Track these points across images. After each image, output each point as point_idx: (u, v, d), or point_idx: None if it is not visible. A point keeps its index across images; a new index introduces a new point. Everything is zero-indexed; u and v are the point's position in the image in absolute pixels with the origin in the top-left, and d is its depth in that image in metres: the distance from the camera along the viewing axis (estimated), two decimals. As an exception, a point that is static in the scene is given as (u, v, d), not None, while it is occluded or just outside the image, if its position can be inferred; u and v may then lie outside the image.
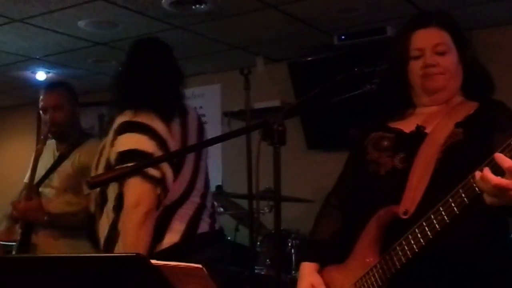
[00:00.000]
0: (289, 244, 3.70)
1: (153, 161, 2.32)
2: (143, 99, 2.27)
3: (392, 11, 3.95)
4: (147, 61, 2.42)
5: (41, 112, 3.19)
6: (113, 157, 2.23)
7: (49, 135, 3.15)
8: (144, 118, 2.23)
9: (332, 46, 4.41)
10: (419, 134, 1.78)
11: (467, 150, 1.66)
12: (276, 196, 1.62)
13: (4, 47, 4.70)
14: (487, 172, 1.41)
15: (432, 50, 1.78)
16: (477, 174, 1.44)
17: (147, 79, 2.33)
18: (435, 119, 1.78)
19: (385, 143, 1.82)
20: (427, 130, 1.77)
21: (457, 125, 1.73)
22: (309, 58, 4.79)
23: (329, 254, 1.88)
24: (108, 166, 2.26)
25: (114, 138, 2.26)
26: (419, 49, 1.80)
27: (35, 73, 5.42)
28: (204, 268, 1.19)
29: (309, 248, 1.96)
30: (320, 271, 1.87)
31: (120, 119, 2.27)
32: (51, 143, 3.23)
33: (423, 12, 1.89)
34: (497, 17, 4.11)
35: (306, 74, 4.72)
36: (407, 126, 1.83)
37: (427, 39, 1.80)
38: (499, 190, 1.41)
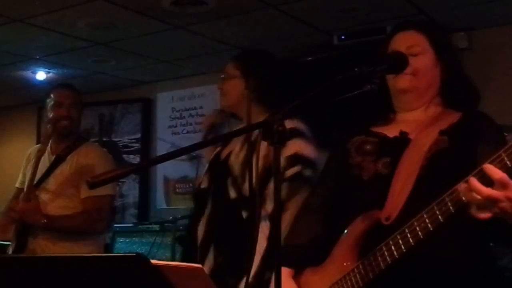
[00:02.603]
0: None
1: (153, 161, 2.33)
2: None
3: (392, 11, 3.95)
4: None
5: (50, 109, 3.12)
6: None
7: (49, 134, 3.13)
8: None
9: (332, 46, 4.41)
10: (403, 140, 1.77)
11: (452, 159, 1.65)
12: (276, 196, 1.62)
13: (4, 46, 4.70)
14: (476, 183, 1.40)
15: (405, 50, 1.78)
16: (463, 185, 1.43)
17: None
18: (417, 126, 1.78)
19: (368, 147, 1.82)
20: (410, 136, 1.77)
21: (442, 132, 1.73)
22: (309, 58, 4.78)
23: (306, 259, 1.85)
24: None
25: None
26: (394, 50, 1.81)
27: (35, 73, 5.42)
28: (203, 268, 1.19)
29: (284, 252, 1.87)
30: (295, 275, 1.84)
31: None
32: (37, 146, 3.21)
33: (406, 20, 1.92)
34: (497, 17, 4.11)
35: (306, 74, 4.72)
36: (390, 131, 1.83)
37: (402, 41, 1.82)
38: (490, 202, 1.40)
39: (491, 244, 1.80)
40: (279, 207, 1.59)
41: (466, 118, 1.77)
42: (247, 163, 2.27)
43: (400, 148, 1.75)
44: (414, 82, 1.79)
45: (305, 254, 1.87)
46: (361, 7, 3.92)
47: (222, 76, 2.49)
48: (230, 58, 2.51)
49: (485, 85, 3.46)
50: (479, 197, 1.40)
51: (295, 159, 2.23)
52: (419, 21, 1.92)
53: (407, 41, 1.81)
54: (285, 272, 1.83)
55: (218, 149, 2.47)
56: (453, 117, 1.77)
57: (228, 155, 2.37)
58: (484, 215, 1.42)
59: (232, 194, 2.28)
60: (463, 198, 1.45)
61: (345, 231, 1.74)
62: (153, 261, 1.11)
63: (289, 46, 4.73)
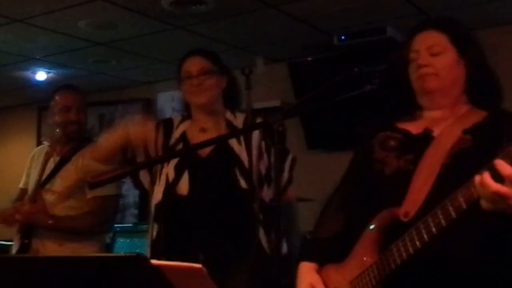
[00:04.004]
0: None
1: (153, 161, 2.33)
2: None
3: (392, 11, 3.95)
4: None
5: (57, 112, 3.11)
6: None
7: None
8: None
9: (332, 46, 4.41)
10: (427, 137, 1.77)
11: (474, 158, 1.62)
12: (276, 196, 1.62)
13: (4, 47, 4.70)
14: (486, 177, 1.40)
15: (426, 51, 1.78)
16: (477, 178, 1.43)
17: None
18: (442, 124, 1.78)
19: (392, 143, 1.82)
20: (434, 134, 1.77)
21: (465, 131, 1.72)
22: (309, 58, 4.78)
23: (330, 253, 1.86)
24: None
25: None
26: (415, 51, 1.81)
27: (35, 73, 5.42)
28: (204, 268, 1.19)
29: (309, 247, 1.94)
30: (318, 270, 1.85)
31: None
32: (44, 147, 3.21)
33: (425, 18, 1.91)
34: (497, 17, 4.11)
35: (306, 74, 4.72)
36: (415, 127, 1.82)
37: (422, 41, 1.81)
38: (498, 197, 1.40)
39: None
40: (279, 207, 1.60)
41: (491, 118, 1.75)
42: (250, 155, 2.39)
43: (423, 145, 1.74)
44: (438, 83, 1.78)
45: (330, 248, 1.88)
46: (361, 8, 3.92)
47: (199, 72, 2.49)
48: (197, 54, 2.55)
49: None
50: (487, 192, 1.40)
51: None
52: (439, 19, 1.89)
53: (427, 41, 1.80)
54: (310, 266, 1.85)
55: (181, 144, 2.47)
56: (479, 116, 1.76)
57: (222, 149, 2.39)
58: (494, 208, 1.43)
59: (243, 184, 2.34)
60: (475, 194, 1.45)
61: (367, 227, 1.75)
62: (153, 261, 1.11)
63: (289, 46, 4.73)
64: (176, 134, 2.50)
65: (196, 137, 2.43)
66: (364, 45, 4.21)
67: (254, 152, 2.39)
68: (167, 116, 5.72)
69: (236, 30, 4.34)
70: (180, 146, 2.46)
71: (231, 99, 2.56)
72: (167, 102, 5.81)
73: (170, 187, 2.38)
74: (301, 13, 4.02)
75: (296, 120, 4.88)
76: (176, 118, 2.59)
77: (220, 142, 2.37)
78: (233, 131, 2.44)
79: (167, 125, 2.54)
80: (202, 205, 2.35)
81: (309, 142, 4.99)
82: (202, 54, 2.55)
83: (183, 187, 2.37)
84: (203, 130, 2.47)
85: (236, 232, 2.33)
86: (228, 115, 2.51)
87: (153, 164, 2.39)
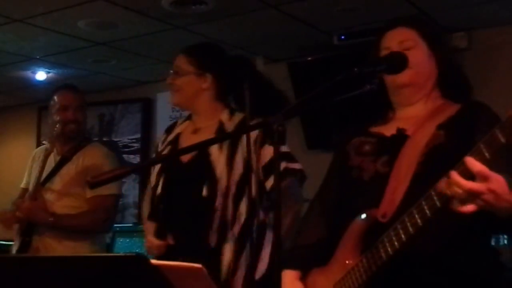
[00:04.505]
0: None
1: (153, 161, 2.33)
2: None
3: (392, 11, 3.94)
4: None
5: (56, 112, 3.14)
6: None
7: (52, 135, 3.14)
8: None
9: (332, 46, 4.41)
10: (401, 137, 1.77)
11: (449, 154, 1.61)
12: (276, 197, 1.62)
13: (4, 47, 4.70)
14: (456, 176, 1.40)
15: (398, 46, 1.79)
16: (444, 180, 1.43)
17: None
18: (416, 121, 1.78)
19: (367, 147, 1.82)
20: (408, 133, 1.77)
21: (439, 127, 1.72)
22: (309, 58, 4.78)
23: (313, 259, 1.86)
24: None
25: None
26: (386, 48, 1.82)
27: (35, 73, 5.41)
28: (204, 268, 1.19)
29: (291, 255, 1.90)
30: (302, 277, 1.85)
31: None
32: (45, 147, 3.22)
33: (394, 18, 1.92)
34: (497, 17, 4.11)
35: (306, 74, 4.72)
36: (388, 130, 1.82)
37: (393, 37, 1.83)
38: (471, 196, 1.39)
39: (492, 243, 1.80)
40: (279, 207, 1.60)
41: (464, 110, 1.76)
42: (229, 163, 2.26)
43: (397, 146, 1.74)
44: (413, 76, 1.78)
45: (313, 255, 1.88)
46: (361, 7, 3.92)
47: (173, 71, 2.45)
48: (180, 51, 2.47)
49: (485, 85, 3.46)
50: (460, 191, 1.40)
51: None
52: (407, 18, 1.93)
53: (398, 37, 1.81)
54: (292, 275, 1.85)
55: (169, 148, 2.43)
56: (451, 109, 1.77)
57: (201, 156, 2.30)
58: (467, 208, 1.41)
59: (204, 192, 2.24)
60: (448, 192, 1.43)
61: (347, 230, 1.75)
62: (153, 261, 1.11)
63: (289, 46, 4.73)
64: (171, 136, 2.48)
65: (188, 139, 2.39)
66: (364, 45, 4.19)
67: (239, 156, 2.26)
68: (167, 116, 5.73)
69: (236, 30, 4.34)
70: (168, 149, 2.42)
71: (235, 98, 2.43)
72: (167, 102, 5.79)
73: (153, 190, 2.39)
74: (301, 13, 4.02)
75: (296, 120, 4.88)
76: (181, 119, 2.58)
77: (200, 148, 2.24)
78: (218, 136, 2.32)
79: (168, 130, 2.54)
80: (172, 211, 2.32)
81: (309, 142, 4.99)
82: (185, 52, 2.45)
83: (159, 192, 2.35)
84: (195, 131, 2.41)
85: (196, 242, 2.26)
86: (224, 115, 2.38)
87: (152, 165, 2.38)
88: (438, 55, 1.82)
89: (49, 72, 5.40)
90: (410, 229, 1.54)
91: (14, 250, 3.04)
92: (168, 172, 2.35)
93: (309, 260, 1.87)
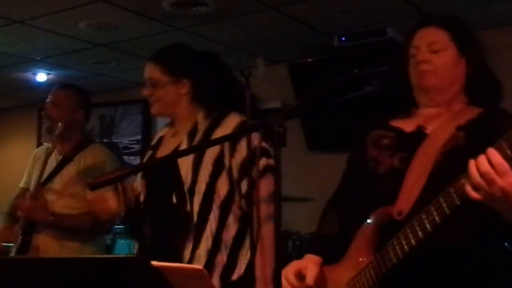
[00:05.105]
0: (290, 246, 3.70)
1: (153, 162, 2.33)
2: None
3: (392, 13, 3.95)
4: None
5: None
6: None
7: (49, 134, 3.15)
8: None
9: (332, 47, 4.41)
10: (419, 134, 1.77)
11: (467, 155, 1.60)
12: (277, 197, 1.62)
13: (5, 48, 4.71)
14: (481, 156, 1.42)
15: (426, 48, 1.78)
16: (472, 161, 1.44)
17: None
18: (436, 121, 1.77)
19: (385, 141, 1.81)
20: (427, 131, 1.76)
21: (459, 128, 1.72)
22: (310, 60, 4.79)
23: (334, 249, 1.85)
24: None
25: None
26: (415, 47, 1.81)
27: (36, 75, 5.42)
28: (204, 270, 1.19)
29: (315, 242, 1.93)
30: (322, 264, 1.85)
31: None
32: (46, 147, 3.22)
33: (428, 15, 1.91)
34: (497, 17, 4.11)
35: (307, 76, 4.72)
36: (408, 125, 1.82)
37: (423, 37, 1.81)
38: (486, 180, 1.41)
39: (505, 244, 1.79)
40: (280, 208, 1.60)
41: (486, 115, 1.75)
42: (197, 162, 2.23)
43: (416, 143, 1.74)
44: (436, 80, 1.77)
45: (332, 247, 1.87)
46: (361, 9, 3.92)
47: (148, 83, 2.46)
48: (149, 59, 2.46)
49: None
50: (478, 172, 1.42)
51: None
52: (441, 17, 1.90)
53: (429, 38, 1.80)
54: (315, 259, 1.85)
55: (150, 152, 2.43)
56: (473, 112, 1.76)
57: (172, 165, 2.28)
58: (474, 194, 1.43)
59: (174, 199, 2.23)
60: (465, 184, 1.45)
61: (362, 225, 1.75)
62: (153, 262, 1.11)
63: (290, 47, 4.73)
64: (154, 140, 2.49)
65: (168, 142, 2.39)
66: (364, 47, 4.20)
67: (209, 156, 2.22)
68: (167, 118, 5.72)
69: (236, 32, 4.35)
70: (149, 153, 2.43)
71: (216, 95, 2.37)
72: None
73: (137, 195, 2.39)
74: (301, 15, 4.02)
75: (296, 121, 4.89)
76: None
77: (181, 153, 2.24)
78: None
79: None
80: (151, 215, 2.32)
81: (310, 143, 5.00)
82: (155, 60, 2.44)
83: (141, 196, 2.36)
84: (174, 134, 2.41)
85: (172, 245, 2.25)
86: (200, 116, 2.34)
87: (153, 166, 2.38)
88: (468, 58, 1.80)
89: (49, 74, 5.40)
90: (428, 226, 1.54)
91: (14, 249, 3.04)
92: (147, 178, 2.36)
93: (331, 249, 1.86)
